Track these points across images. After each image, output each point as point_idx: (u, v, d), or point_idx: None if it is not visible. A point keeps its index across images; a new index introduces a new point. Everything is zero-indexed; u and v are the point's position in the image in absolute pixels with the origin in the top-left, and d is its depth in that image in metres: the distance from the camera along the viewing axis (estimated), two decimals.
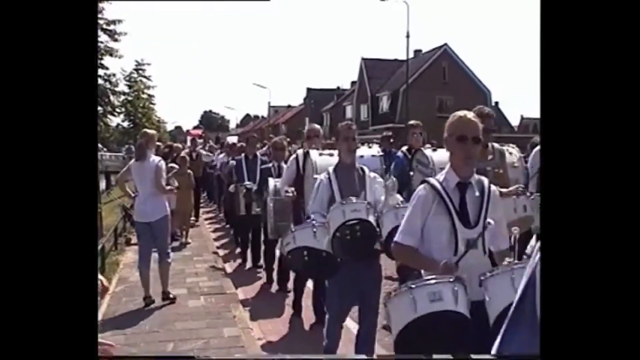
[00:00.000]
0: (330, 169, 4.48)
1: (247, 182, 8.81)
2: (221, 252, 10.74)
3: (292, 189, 5.82)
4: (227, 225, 13.13)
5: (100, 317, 6.39)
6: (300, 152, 6.27)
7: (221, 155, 14.31)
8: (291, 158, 6.38)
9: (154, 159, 7.22)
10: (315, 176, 4.77)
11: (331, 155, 5.13)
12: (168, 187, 7.68)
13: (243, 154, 9.60)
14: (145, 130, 8.15)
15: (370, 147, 5.94)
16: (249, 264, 9.51)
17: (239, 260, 9.89)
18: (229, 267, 9.55)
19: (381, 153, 5.71)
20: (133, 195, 7.35)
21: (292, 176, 6.13)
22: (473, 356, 2.13)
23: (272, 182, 6.62)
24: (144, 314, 6.61)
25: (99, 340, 2.62)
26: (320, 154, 5.35)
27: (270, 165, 7.88)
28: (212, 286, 7.90)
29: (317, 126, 6.72)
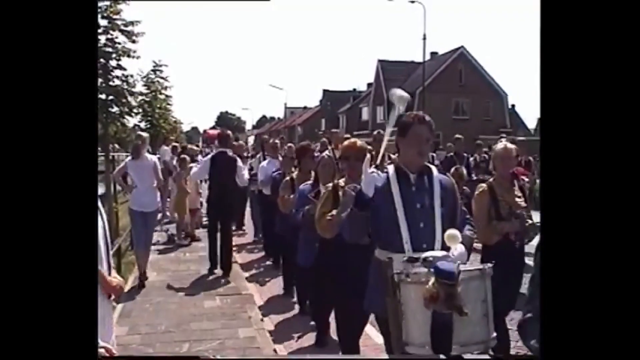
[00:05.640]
0: None
1: None
2: (236, 249, 10.77)
3: None
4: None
5: (116, 316, 6.44)
6: None
7: (265, 162, 9.81)
8: None
9: (151, 157, 8.61)
10: None
11: None
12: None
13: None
14: (140, 133, 9.36)
15: None
16: None
17: (254, 259, 9.83)
18: (245, 268, 9.55)
19: None
20: (132, 188, 8.57)
21: None
22: (468, 356, 2.11)
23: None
24: (160, 314, 6.65)
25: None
26: None
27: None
28: (227, 287, 7.93)
29: None
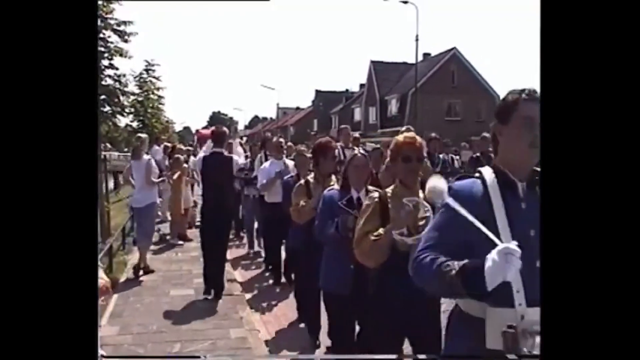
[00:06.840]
0: None
1: None
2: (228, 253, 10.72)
3: None
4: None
5: (107, 316, 6.43)
6: None
7: (267, 164, 8.48)
8: None
9: (146, 157, 9.08)
10: None
11: None
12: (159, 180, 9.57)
13: None
14: (139, 135, 10.00)
15: None
16: None
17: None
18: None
19: None
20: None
21: None
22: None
23: None
24: (151, 314, 6.63)
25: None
26: None
27: None
28: None
29: None
